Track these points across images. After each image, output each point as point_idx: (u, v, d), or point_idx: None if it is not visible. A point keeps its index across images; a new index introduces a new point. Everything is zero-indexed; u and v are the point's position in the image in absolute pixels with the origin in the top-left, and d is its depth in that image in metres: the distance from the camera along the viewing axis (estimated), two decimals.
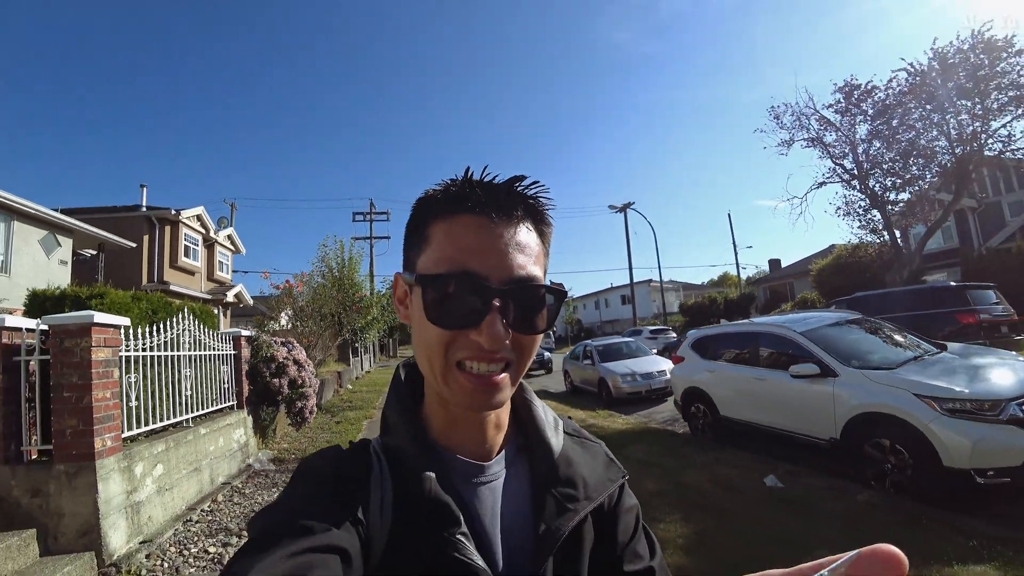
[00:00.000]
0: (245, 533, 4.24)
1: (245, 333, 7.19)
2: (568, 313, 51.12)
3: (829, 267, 22.01)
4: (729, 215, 60.83)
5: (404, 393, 0.66)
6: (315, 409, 8.73)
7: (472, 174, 0.58)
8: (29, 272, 12.03)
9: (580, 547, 0.63)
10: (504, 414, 0.65)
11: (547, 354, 23.17)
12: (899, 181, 14.49)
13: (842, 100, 14.58)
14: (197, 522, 4.58)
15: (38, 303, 5.37)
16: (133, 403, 4.31)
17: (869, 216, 15.22)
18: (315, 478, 0.56)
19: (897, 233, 15.61)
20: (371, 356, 30.04)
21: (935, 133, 14.09)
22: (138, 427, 4.38)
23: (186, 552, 3.97)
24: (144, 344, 4.58)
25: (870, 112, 14.41)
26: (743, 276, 39.66)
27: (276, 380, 7.42)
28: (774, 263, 37.67)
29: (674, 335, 23.89)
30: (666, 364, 10.76)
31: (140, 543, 3.98)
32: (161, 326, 4.89)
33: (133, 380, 4.35)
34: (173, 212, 17.67)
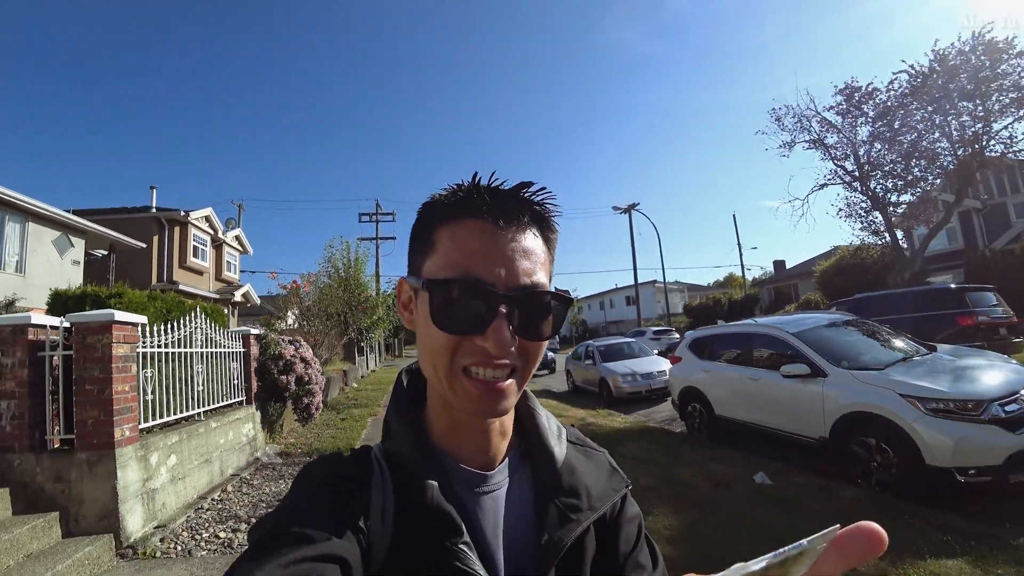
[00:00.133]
0: (254, 520, 4.45)
1: (254, 331, 7.40)
2: (573, 314, 51.21)
3: (832, 268, 22.05)
4: (734, 216, 60.46)
5: (406, 399, 0.66)
6: (321, 406, 8.95)
7: (480, 179, 0.58)
8: (43, 272, 12.34)
9: (582, 557, 0.63)
10: (508, 421, 0.66)
11: (551, 354, 23.29)
12: (901, 183, 14.53)
13: (843, 102, 14.64)
14: (208, 510, 4.79)
15: (60, 302, 5.62)
16: (149, 396, 4.53)
17: (870, 218, 15.27)
18: (316, 485, 0.56)
19: (899, 234, 15.64)
20: (376, 355, 30.30)
21: (937, 135, 14.13)
22: (153, 419, 4.59)
23: (198, 537, 4.18)
24: (159, 341, 4.79)
25: (871, 114, 14.47)
26: (748, 277, 39.68)
27: (284, 377, 7.63)
28: (779, 264, 37.67)
29: (677, 336, 23.97)
30: (666, 364, 10.88)
31: (155, 527, 4.20)
32: (175, 324, 5.11)
33: (149, 375, 4.57)
34: (182, 213, 17.98)
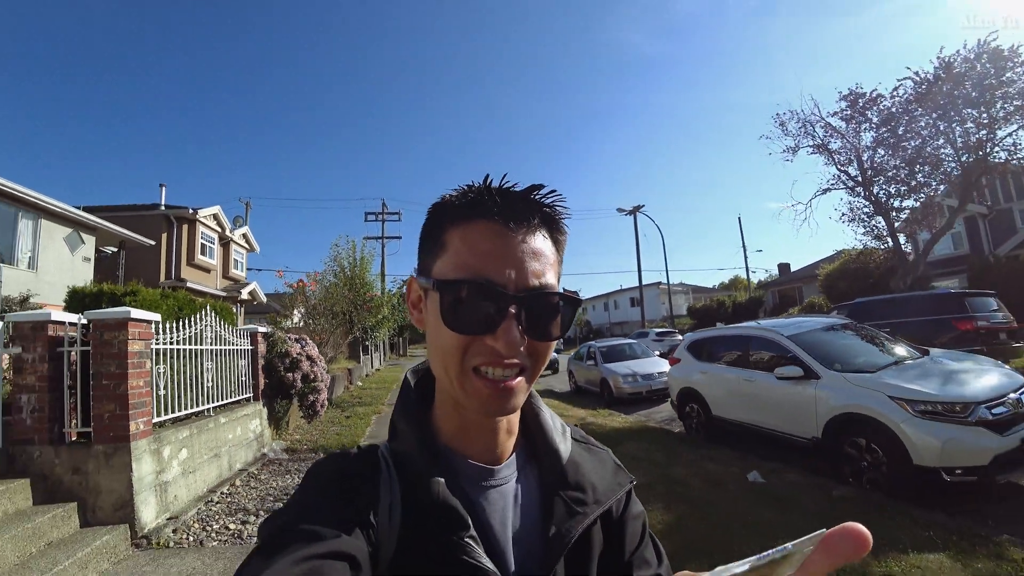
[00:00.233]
0: (262, 513, 4.61)
1: (262, 329, 7.58)
2: (577, 315, 51.22)
3: (836, 272, 22.06)
4: (739, 219, 60.68)
5: (412, 399, 0.67)
6: (326, 403, 9.13)
7: (491, 181, 0.59)
8: (54, 268, 12.55)
9: (589, 552, 0.64)
10: (515, 420, 0.66)
11: (555, 355, 23.36)
12: (904, 188, 14.59)
13: (847, 108, 14.71)
14: (217, 503, 4.96)
15: (77, 299, 5.81)
16: (162, 392, 4.70)
17: (873, 223, 15.33)
18: (324, 483, 0.57)
19: (902, 239, 15.67)
20: (381, 354, 30.50)
21: (941, 141, 14.18)
22: (165, 414, 4.77)
23: (209, 528, 4.35)
24: (172, 338, 4.96)
25: (875, 120, 14.53)
26: (754, 279, 39.68)
27: (290, 374, 7.80)
28: (783, 267, 37.66)
29: (679, 337, 24.03)
30: (667, 365, 10.99)
31: (167, 519, 4.37)
32: (187, 322, 5.28)
33: (162, 370, 4.73)
34: (191, 211, 18.23)
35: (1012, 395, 4.40)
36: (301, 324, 15.57)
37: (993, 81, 12.88)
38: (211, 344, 5.83)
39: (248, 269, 24.64)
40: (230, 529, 4.33)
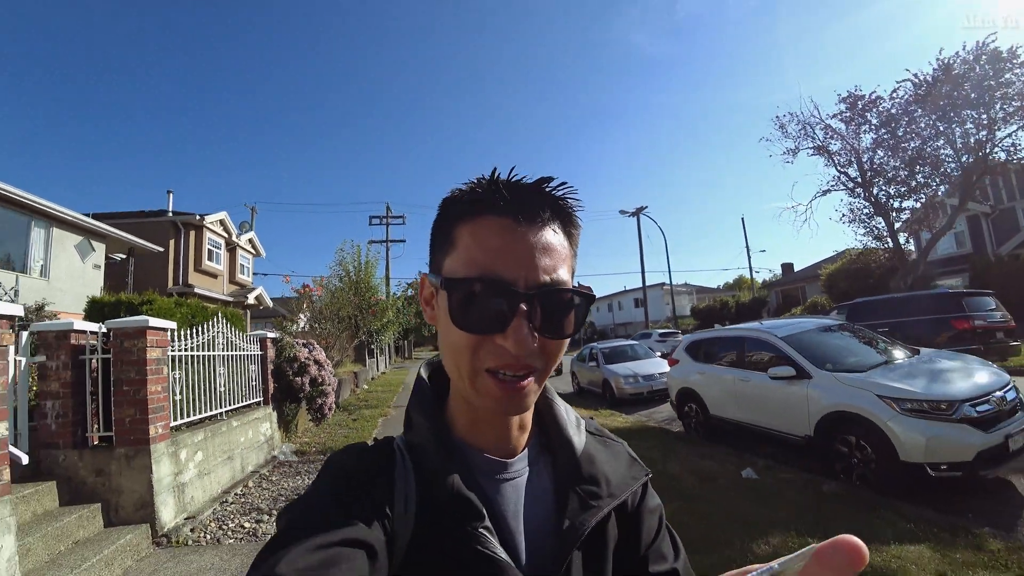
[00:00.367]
0: (276, 512, 4.81)
1: (271, 335, 7.80)
2: None
3: (838, 272, 22.18)
4: (743, 219, 60.65)
5: (427, 392, 0.67)
6: (334, 406, 9.34)
7: (499, 174, 0.58)
8: (65, 276, 12.77)
9: (604, 545, 0.63)
10: (528, 414, 0.66)
11: None
12: (904, 189, 14.71)
13: (846, 110, 14.85)
14: (232, 503, 5.17)
15: (96, 308, 6.05)
16: (178, 397, 4.92)
17: (873, 223, 15.45)
18: (342, 473, 0.58)
19: (902, 239, 15.80)
20: (386, 358, 30.76)
21: (941, 142, 14.30)
22: (181, 418, 4.98)
23: (225, 527, 4.56)
24: (187, 345, 5.18)
25: (874, 122, 14.66)
26: (758, 279, 39.73)
27: (299, 379, 8.02)
28: (787, 267, 37.75)
29: (682, 337, 24.15)
30: (667, 366, 11.18)
31: (185, 518, 4.59)
32: (200, 329, 5.50)
33: (177, 376, 4.95)
34: (198, 217, 18.52)
35: (997, 393, 4.53)
36: (307, 328, 15.80)
37: (992, 82, 13.00)
38: (223, 350, 6.05)
39: (254, 274, 24.95)
40: (245, 528, 4.53)
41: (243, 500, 5.28)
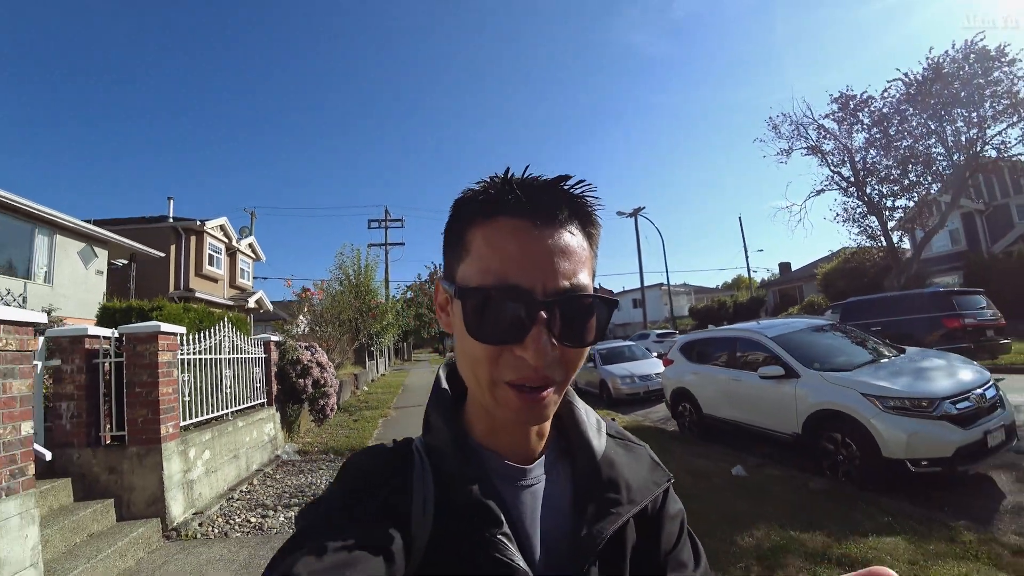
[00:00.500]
0: (280, 508, 4.99)
1: (274, 338, 7.98)
2: None
3: (834, 271, 22.35)
4: (740, 219, 60.98)
5: (445, 395, 0.66)
6: (335, 407, 9.52)
7: (512, 174, 0.56)
8: (69, 282, 12.91)
9: (623, 552, 0.62)
10: (547, 422, 0.64)
11: None
12: (896, 188, 14.90)
13: (838, 111, 15.04)
14: (238, 499, 5.36)
15: (108, 315, 6.24)
16: (186, 398, 5.09)
17: (867, 222, 15.64)
18: (360, 475, 0.57)
19: (895, 237, 15.99)
20: (386, 360, 30.95)
21: (932, 140, 14.49)
22: (190, 418, 5.16)
23: (231, 522, 4.74)
24: (195, 348, 5.36)
25: (866, 121, 14.86)
26: (756, 279, 39.93)
27: (301, 380, 8.20)
28: (784, 267, 37.90)
29: (678, 338, 24.29)
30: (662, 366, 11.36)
31: (193, 514, 4.77)
32: (207, 333, 5.68)
33: (186, 379, 5.12)
34: (198, 223, 18.69)
35: (977, 391, 4.70)
36: (307, 331, 15.96)
37: (981, 81, 13.18)
38: (229, 353, 6.23)
39: (254, 278, 25.14)
40: (251, 522, 4.71)
41: (248, 496, 5.45)
